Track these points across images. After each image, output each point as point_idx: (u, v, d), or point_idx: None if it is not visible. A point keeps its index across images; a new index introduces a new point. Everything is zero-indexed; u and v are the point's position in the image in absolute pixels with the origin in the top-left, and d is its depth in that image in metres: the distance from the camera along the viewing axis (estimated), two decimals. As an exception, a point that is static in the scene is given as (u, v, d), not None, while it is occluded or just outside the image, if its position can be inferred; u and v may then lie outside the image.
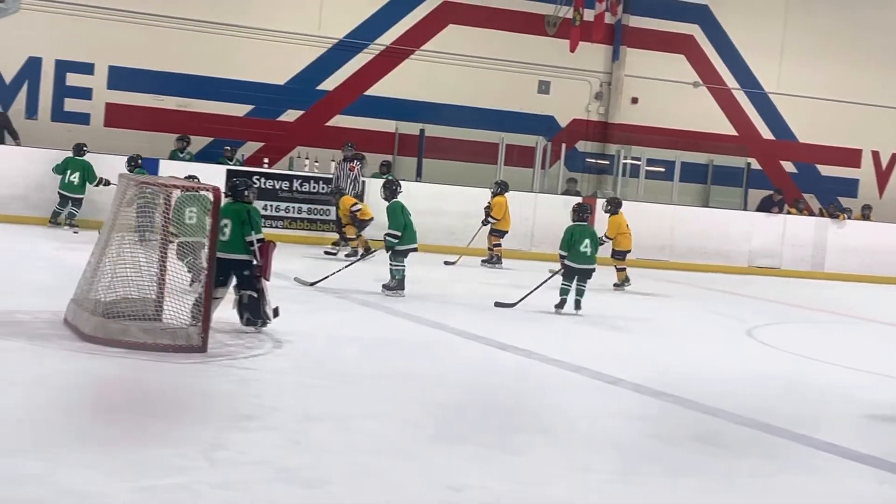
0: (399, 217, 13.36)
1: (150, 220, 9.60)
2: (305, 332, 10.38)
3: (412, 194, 18.75)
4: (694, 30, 25.32)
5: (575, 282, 13.21)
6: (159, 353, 8.58)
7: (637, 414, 8.27)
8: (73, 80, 21.19)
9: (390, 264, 13.37)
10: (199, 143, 21.47)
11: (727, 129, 25.53)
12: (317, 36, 22.58)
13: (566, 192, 22.62)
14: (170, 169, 18.20)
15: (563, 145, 23.47)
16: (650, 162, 23.93)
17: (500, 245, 18.81)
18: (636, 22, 24.86)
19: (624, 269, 16.66)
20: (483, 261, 18.69)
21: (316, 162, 21.52)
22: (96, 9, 21.06)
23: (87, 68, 21.22)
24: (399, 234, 13.29)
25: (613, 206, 16.83)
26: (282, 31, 22.24)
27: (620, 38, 24.66)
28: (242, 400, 7.58)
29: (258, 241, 9.85)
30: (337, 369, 8.88)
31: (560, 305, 13.09)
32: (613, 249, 16.60)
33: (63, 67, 21.13)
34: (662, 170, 24.02)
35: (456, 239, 20.08)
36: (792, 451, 7.56)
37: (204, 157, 21.05)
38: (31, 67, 20.96)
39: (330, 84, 22.85)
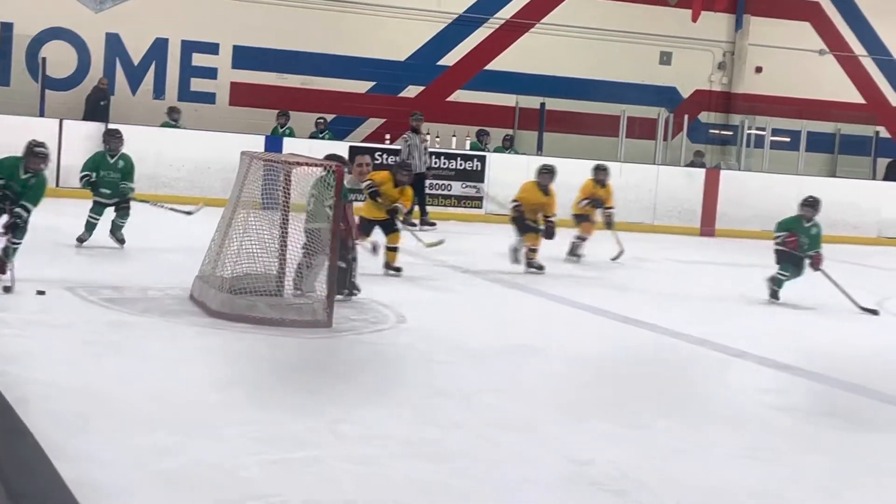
0: None
1: (272, 197, 9.73)
2: (429, 308, 10.45)
3: (534, 168, 18.74)
4: (820, -4, 24.83)
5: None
6: (285, 328, 8.72)
7: (767, 388, 8.17)
8: (198, 60, 21.53)
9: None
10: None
11: (854, 97, 24.97)
12: (437, 11, 22.60)
13: (691, 164, 22.38)
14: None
15: (686, 117, 23.16)
16: (775, 132, 23.48)
17: None
18: (760, -11, 24.45)
19: None
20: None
21: (437, 137, 21.57)
22: (220, -11, 21.41)
23: (212, 48, 21.55)
24: None
25: None
26: (402, 7, 22.30)
27: (744, 6, 24.25)
28: (369, 375, 7.66)
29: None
30: (462, 344, 8.90)
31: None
32: None
33: (189, 48, 21.48)
34: (788, 140, 23.58)
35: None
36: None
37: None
38: (158, 49, 21.35)
39: (450, 59, 22.88)
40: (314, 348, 8.30)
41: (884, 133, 24.50)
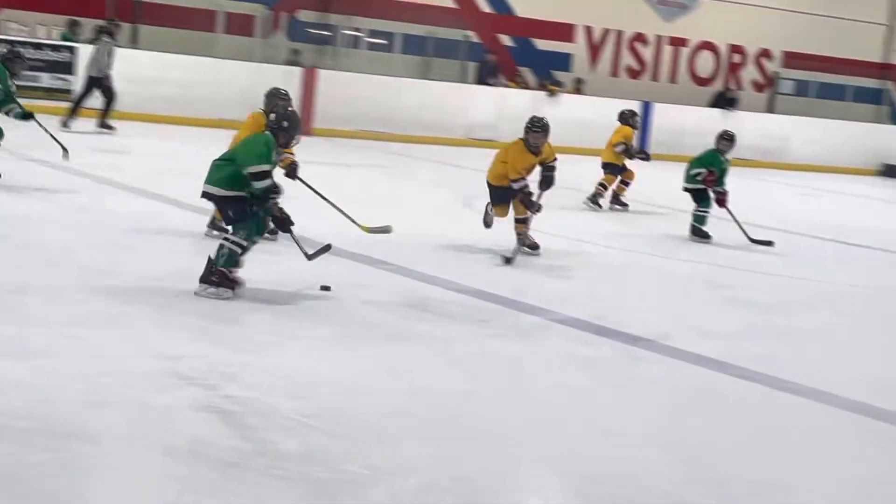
0: None
1: None
2: (9, 206, 10.02)
3: (130, 62, 18.25)
4: None
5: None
6: None
7: (350, 282, 8.35)
8: None
9: None
10: None
11: (447, 1, 25.61)
12: None
13: (289, 63, 22.36)
14: None
15: (284, 15, 23.10)
16: (372, 34, 23.86)
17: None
18: None
19: None
20: None
21: (24, 27, 20.51)
22: None
23: None
24: None
25: None
26: None
27: None
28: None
29: None
30: (48, 242, 8.62)
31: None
32: None
33: None
34: (385, 42, 24.00)
35: (176, 108, 19.64)
36: (504, 317, 7.82)
37: None
38: None
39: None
40: None
41: (474, 38, 25.32)
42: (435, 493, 4.55)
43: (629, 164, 14.49)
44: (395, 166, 17.75)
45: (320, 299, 7.65)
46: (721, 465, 5.22)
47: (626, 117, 14.82)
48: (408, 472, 4.71)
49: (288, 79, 20.87)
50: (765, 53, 28.55)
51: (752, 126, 23.35)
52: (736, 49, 28.28)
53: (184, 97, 19.83)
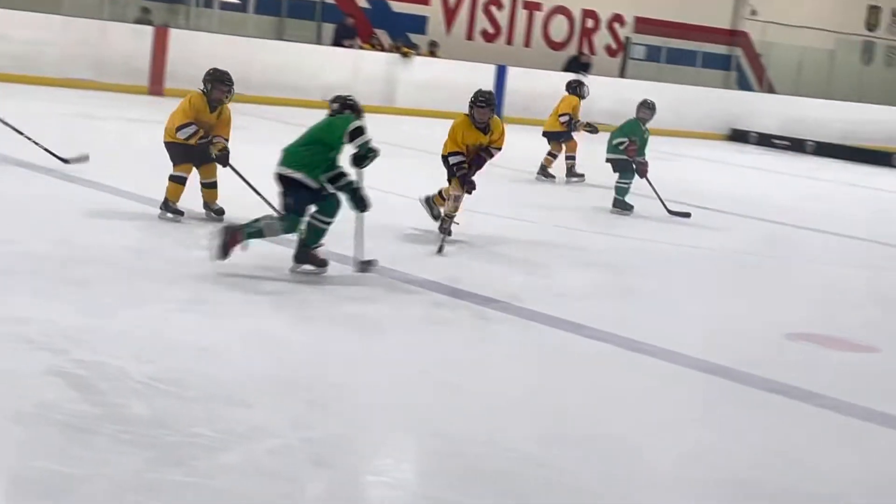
0: None
1: None
2: None
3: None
4: None
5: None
6: None
7: (205, 245, 8.25)
8: None
9: None
10: None
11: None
12: None
13: (139, 22, 21.87)
14: None
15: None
16: (224, -8, 23.51)
17: None
18: None
19: None
20: None
21: None
22: None
23: None
24: None
25: None
26: None
27: None
28: None
29: None
30: None
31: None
32: None
33: None
34: (238, 2, 23.66)
35: (25, 67, 19.10)
36: (360, 280, 7.82)
37: None
38: None
39: None
40: None
41: (329, -1, 25.16)
42: (287, 454, 4.54)
43: (574, 134, 14.39)
44: (248, 127, 17.48)
45: (171, 263, 7.54)
46: (572, 423, 5.31)
47: (573, 87, 14.72)
48: (260, 434, 4.69)
49: (138, 38, 20.56)
50: (617, 19, 28.90)
51: (605, 91, 23.62)
52: (589, 14, 28.56)
53: (30, 55, 19.28)
